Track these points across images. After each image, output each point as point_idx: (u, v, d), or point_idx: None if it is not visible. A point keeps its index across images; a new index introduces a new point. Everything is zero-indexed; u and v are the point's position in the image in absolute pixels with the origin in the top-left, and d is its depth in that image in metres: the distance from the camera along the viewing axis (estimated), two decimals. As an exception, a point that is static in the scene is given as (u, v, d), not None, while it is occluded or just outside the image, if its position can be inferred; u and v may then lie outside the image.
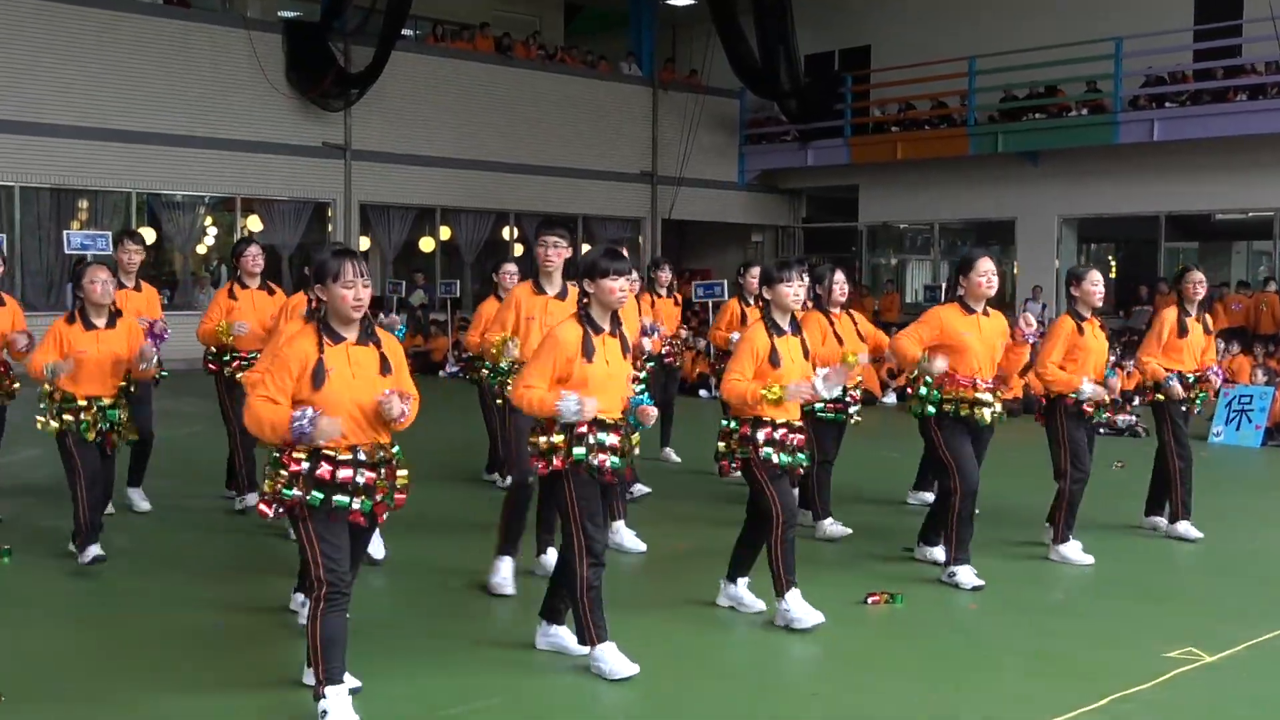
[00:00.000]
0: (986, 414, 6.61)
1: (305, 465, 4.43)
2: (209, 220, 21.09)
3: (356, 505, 4.50)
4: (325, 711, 4.43)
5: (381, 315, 7.65)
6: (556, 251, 6.22)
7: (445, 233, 22.98)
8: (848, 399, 7.75)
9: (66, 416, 6.58)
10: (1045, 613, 6.37)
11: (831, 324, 7.78)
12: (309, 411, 4.31)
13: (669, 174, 24.84)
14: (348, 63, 20.82)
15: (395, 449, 4.66)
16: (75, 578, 6.65)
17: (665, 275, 10.67)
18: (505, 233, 23.40)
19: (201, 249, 21.38)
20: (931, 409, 6.64)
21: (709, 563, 6.53)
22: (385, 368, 4.57)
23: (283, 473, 4.45)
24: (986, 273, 6.56)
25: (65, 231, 15.57)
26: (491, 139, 22.63)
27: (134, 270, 8.12)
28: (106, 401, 6.67)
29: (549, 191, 23.43)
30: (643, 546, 7.24)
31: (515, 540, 6.37)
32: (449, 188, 22.29)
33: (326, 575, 4.46)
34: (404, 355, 4.81)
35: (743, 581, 6.13)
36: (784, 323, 5.80)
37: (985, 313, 6.68)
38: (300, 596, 5.76)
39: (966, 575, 6.64)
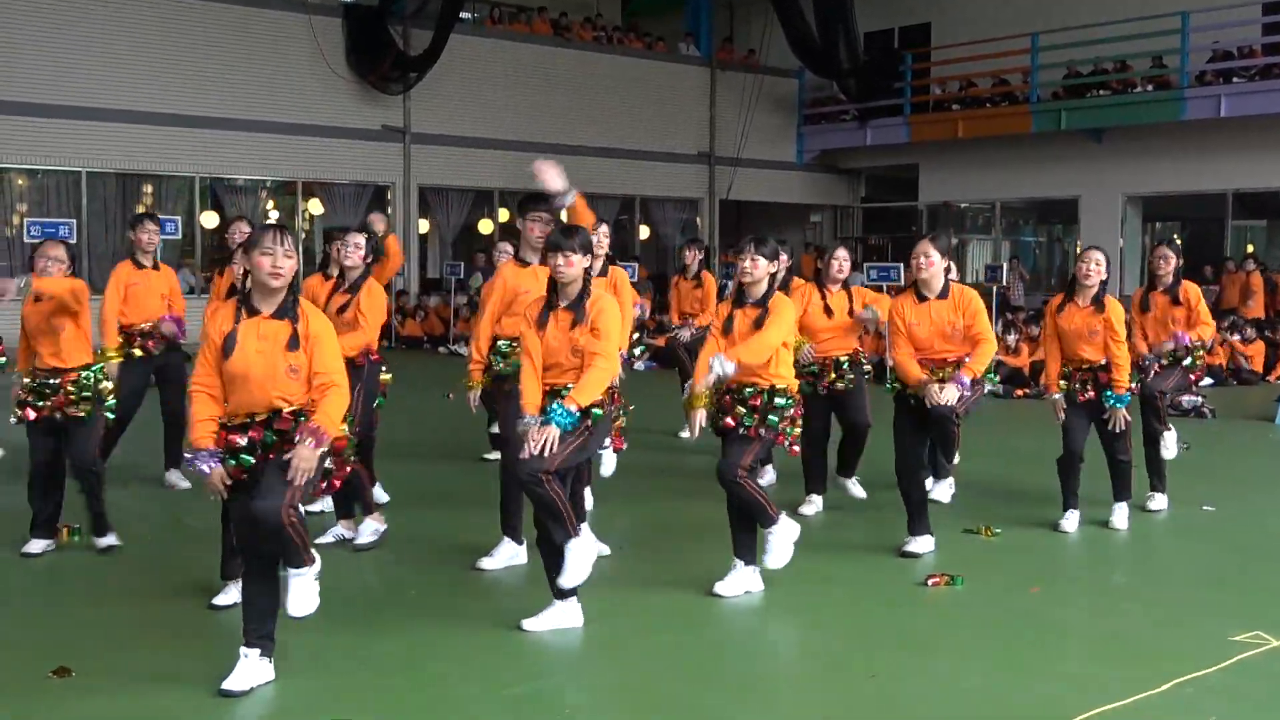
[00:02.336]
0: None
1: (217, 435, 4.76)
2: (271, 203, 21.32)
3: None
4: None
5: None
6: (545, 229, 6.35)
7: (504, 214, 23.07)
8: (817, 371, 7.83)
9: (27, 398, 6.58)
10: (1107, 595, 6.31)
11: (824, 297, 7.86)
12: (210, 463, 4.65)
13: (727, 154, 24.75)
14: (406, 46, 20.93)
15: (300, 417, 4.72)
16: (137, 557, 6.76)
17: (692, 255, 10.97)
18: (564, 215, 23.40)
19: (264, 232, 21.58)
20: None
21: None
22: (293, 344, 4.68)
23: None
24: (918, 255, 6.67)
25: (130, 217, 15.87)
26: (549, 121, 22.66)
27: (151, 250, 8.25)
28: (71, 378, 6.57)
29: (606, 173, 23.43)
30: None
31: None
32: (507, 170, 22.35)
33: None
34: (333, 335, 4.85)
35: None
36: (748, 295, 5.98)
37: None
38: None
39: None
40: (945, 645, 5.45)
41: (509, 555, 6.54)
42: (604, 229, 7.40)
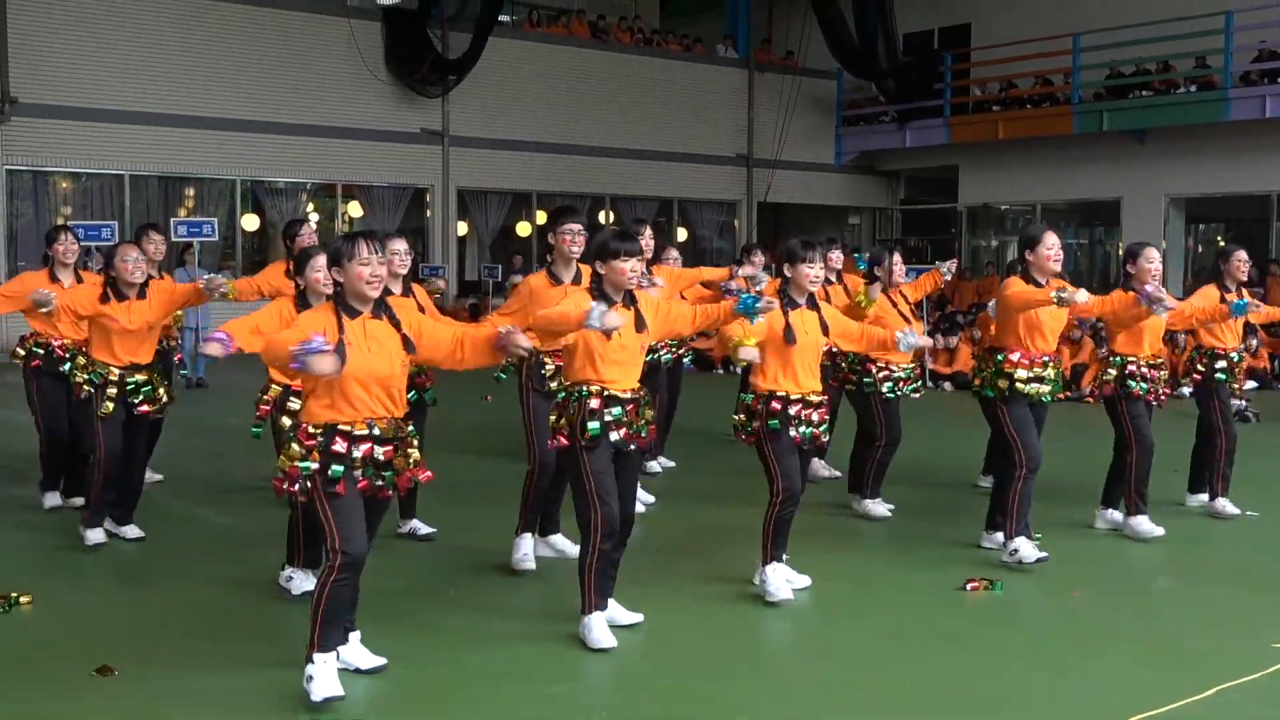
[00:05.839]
0: (1044, 389, 6.69)
1: (320, 439, 4.57)
2: (311, 206, 21.45)
3: (380, 482, 4.65)
4: (312, 677, 4.60)
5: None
6: (581, 239, 6.26)
7: (541, 217, 23.10)
8: (909, 374, 7.81)
9: (100, 389, 6.69)
10: (1150, 599, 6.24)
11: (894, 304, 7.79)
12: (318, 339, 4.39)
13: (765, 156, 24.68)
14: (445, 49, 21.01)
15: (410, 428, 4.80)
16: (180, 556, 6.82)
17: (758, 259, 10.78)
18: (600, 216, 23.45)
19: (304, 234, 21.73)
20: (994, 389, 6.71)
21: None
22: (409, 347, 4.70)
23: (296, 448, 4.61)
24: (1054, 246, 6.67)
25: (171, 219, 16.03)
26: (587, 123, 22.69)
27: (158, 260, 8.28)
28: (141, 377, 6.77)
29: (644, 175, 23.44)
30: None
31: (535, 521, 6.57)
32: (545, 172, 22.40)
33: (343, 546, 4.58)
34: (423, 305, 5.07)
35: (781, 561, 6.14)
36: (800, 299, 5.91)
37: (1049, 285, 6.73)
38: (287, 571, 5.99)
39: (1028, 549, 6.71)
40: (986, 649, 5.41)
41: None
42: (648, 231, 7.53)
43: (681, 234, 24.66)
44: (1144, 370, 7.29)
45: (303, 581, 5.89)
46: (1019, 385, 6.62)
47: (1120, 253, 22.00)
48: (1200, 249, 23.53)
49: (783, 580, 5.98)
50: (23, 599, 5.83)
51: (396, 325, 4.70)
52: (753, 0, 26.25)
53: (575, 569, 5.39)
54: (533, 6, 23.88)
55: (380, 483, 4.68)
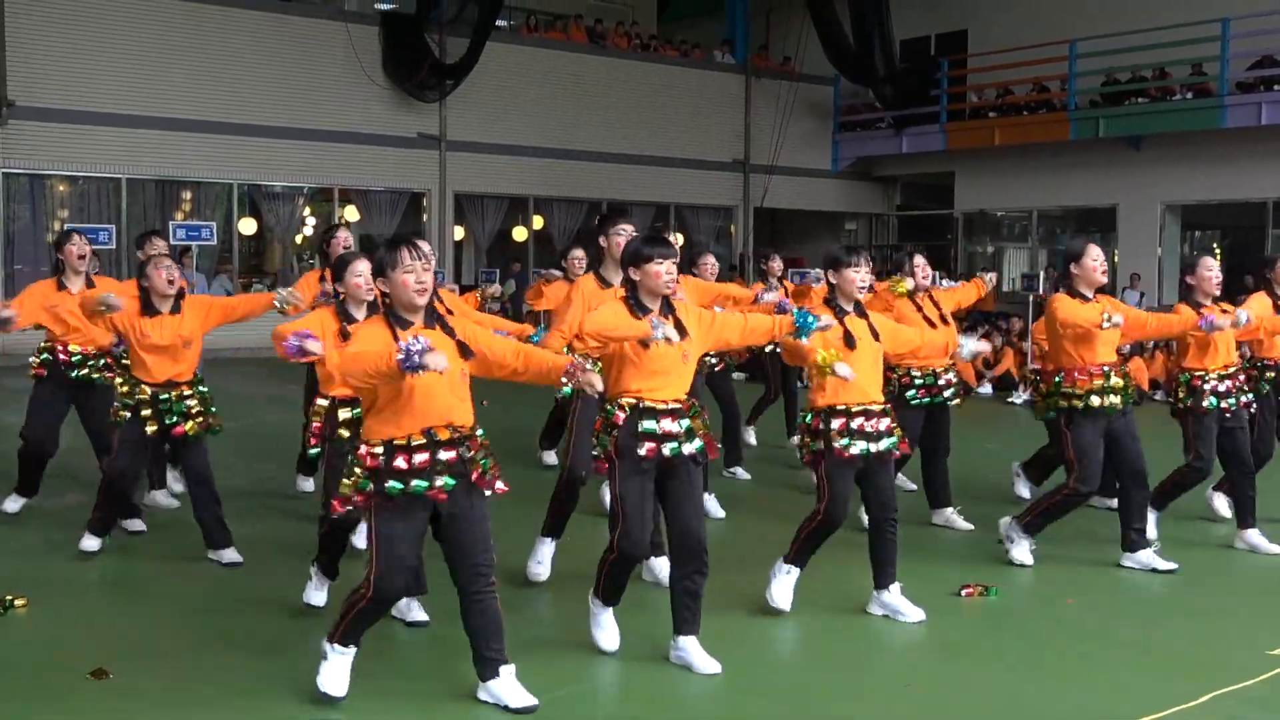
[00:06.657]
0: (1117, 400, 6.62)
1: (381, 460, 4.45)
2: (308, 210, 21.46)
3: (439, 483, 4.47)
4: (326, 657, 4.65)
5: None
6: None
7: (538, 222, 23.12)
8: (941, 383, 7.68)
9: (144, 413, 6.56)
10: (1147, 605, 6.25)
11: (919, 308, 7.74)
12: (421, 340, 4.23)
13: (761, 162, 24.69)
14: (443, 54, 21.02)
15: (479, 431, 4.67)
16: (180, 563, 6.81)
17: (777, 265, 10.71)
18: (598, 221, 23.43)
19: (300, 239, 21.78)
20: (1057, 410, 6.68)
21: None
22: (465, 353, 4.60)
23: (358, 469, 4.50)
24: (1098, 259, 6.67)
25: (170, 222, 16.03)
26: (584, 128, 22.70)
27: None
28: (185, 390, 6.62)
29: (641, 180, 23.45)
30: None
31: (559, 527, 6.46)
32: (542, 177, 22.41)
33: (377, 584, 4.49)
34: (451, 310, 5.05)
35: (895, 588, 5.92)
36: (848, 306, 5.85)
37: (1096, 300, 6.71)
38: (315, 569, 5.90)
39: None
40: (980, 654, 5.42)
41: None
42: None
43: (678, 239, 24.70)
44: (1216, 385, 7.22)
45: (314, 593, 5.83)
46: (1093, 403, 6.57)
47: (1116, 259, 22.04)
48: (1196, 256, 23.58)
49: (788, 591, 5.92)
50: (18, 602, 5.83)
51: (450, 332, 4.62)
52: (750, 6, 26.28)
53: (577, 575, 5.40)
54: (530, 12, 23.90)
55: (440, 484, 4.49)
